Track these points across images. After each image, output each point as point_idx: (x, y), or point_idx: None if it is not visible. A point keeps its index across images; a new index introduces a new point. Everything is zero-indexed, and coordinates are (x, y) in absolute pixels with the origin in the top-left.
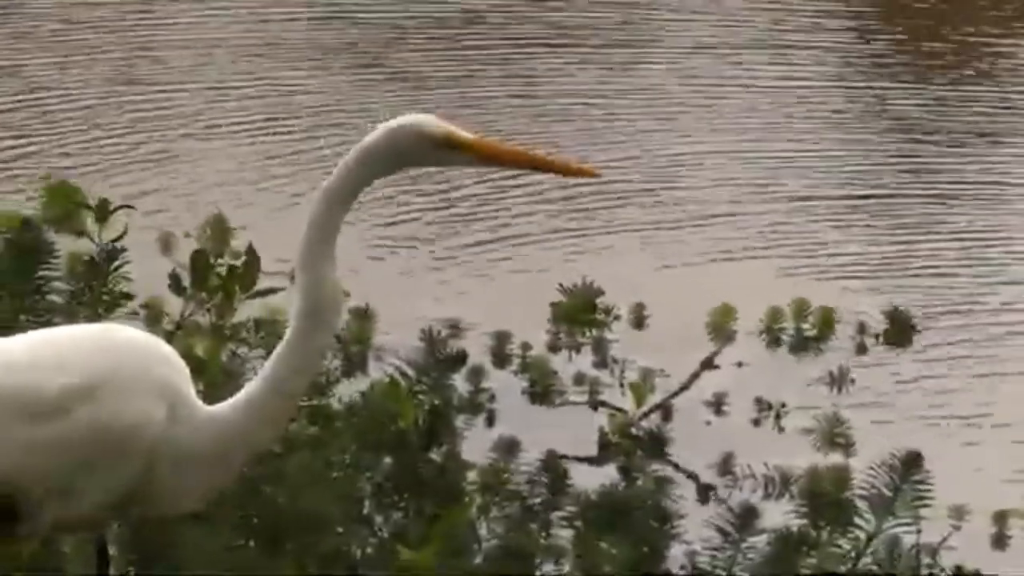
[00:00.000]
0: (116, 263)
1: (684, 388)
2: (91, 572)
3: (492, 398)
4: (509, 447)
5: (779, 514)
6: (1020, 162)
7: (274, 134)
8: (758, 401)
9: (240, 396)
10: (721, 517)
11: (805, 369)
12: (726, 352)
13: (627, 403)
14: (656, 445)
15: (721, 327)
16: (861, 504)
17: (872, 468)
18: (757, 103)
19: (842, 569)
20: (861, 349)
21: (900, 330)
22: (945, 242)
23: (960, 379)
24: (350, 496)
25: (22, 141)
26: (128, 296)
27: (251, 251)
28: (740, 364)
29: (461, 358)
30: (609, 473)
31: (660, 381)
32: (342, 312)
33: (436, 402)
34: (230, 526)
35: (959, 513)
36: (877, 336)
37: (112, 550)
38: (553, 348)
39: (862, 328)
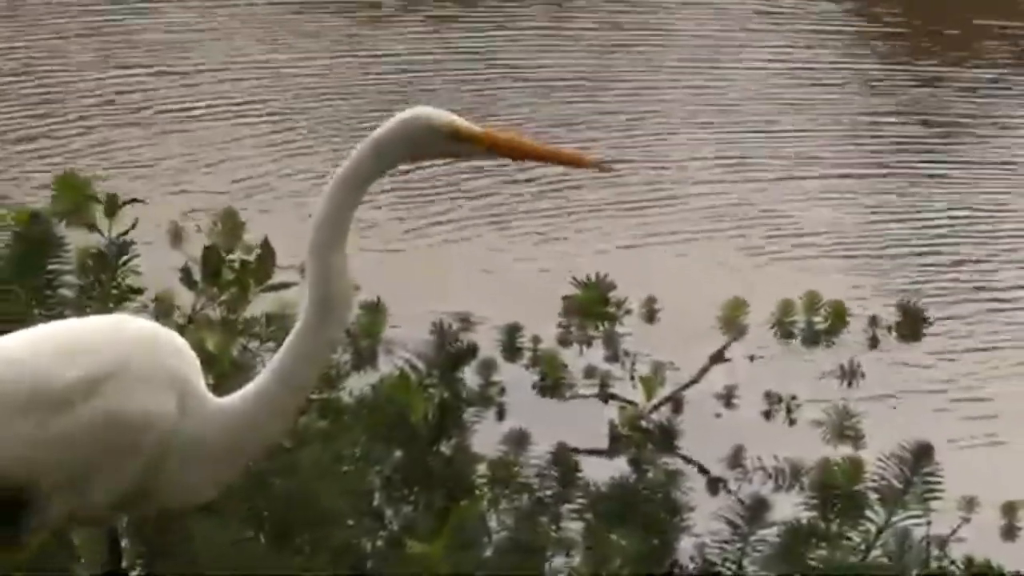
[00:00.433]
0: (126, 257)
1: (694, 381)
2: (100, 570)
3: (502, 391)
4: (519, 440)
5: (789, 506)
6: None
7: (291, 129)
8: (768, 394)
9: (249, 388)
10: (731, 509)
11: (815, 362)
12: (736, 345)
13: (638, 396)
14: (666, 438)
15: (732, 320)
16: (871, 496)
17: (882, 460)
18: (782, 100)
19: (852, 561)
20: (873, 342)
21: (912, 323)
22: (964, 229)
23: (969, 371)
24: (360, 489)
25: (31, 135)
26: (138, 291)
27: (266, 244)
28: (751, 357)
29: (471, 351)
30: (619, 466)
31: (670, 374)
32: (353, 304)
33: (446, 395)
34: (239, 519)
35: (969, 505)
36: (889, 328)
37: (123, 543)
38: (563, 342)
39: (874, 321)
